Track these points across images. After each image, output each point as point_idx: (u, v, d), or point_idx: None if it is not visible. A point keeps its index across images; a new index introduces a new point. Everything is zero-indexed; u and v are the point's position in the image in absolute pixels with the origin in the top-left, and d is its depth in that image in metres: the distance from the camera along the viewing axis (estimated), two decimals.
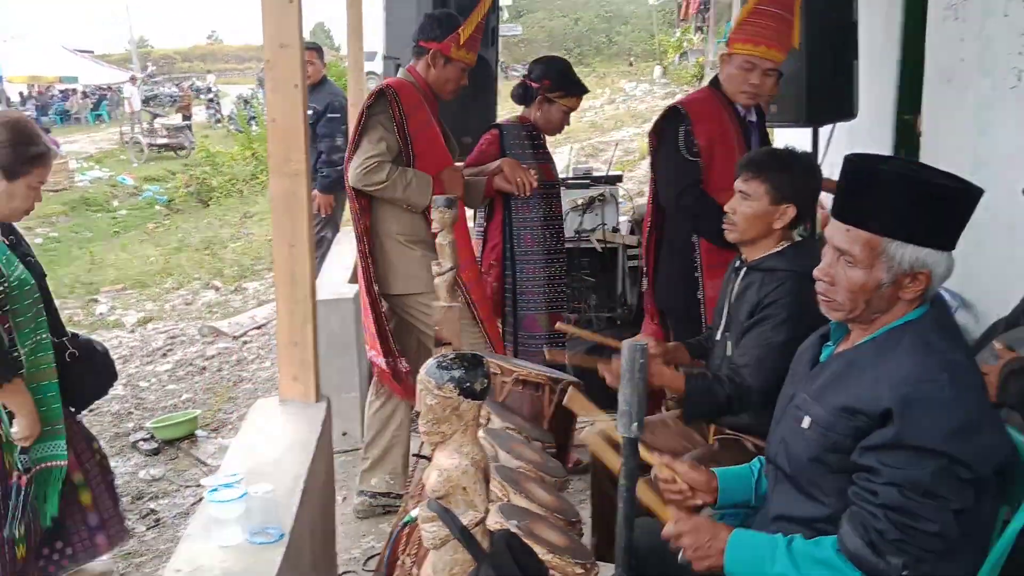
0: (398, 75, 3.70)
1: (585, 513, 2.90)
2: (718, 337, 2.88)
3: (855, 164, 1.84)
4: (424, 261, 3.49)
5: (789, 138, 4.70)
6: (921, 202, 1.78)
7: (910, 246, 1.78)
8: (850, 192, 1.85)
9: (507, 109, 3.84)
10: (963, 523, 1.70)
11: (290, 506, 2.32)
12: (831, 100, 4.46)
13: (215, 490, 2.21)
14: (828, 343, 2.03)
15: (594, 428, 2.38)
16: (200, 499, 2.60)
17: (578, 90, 4.13)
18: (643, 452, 2.18)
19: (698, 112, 3.54)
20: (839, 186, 1.88)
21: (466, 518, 1.53)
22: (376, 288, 3.66)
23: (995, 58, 3.89)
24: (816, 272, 1.93)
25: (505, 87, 4.51)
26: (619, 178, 6.22)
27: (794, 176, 2.73)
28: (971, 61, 4.07)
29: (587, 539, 2.71)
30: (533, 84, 4.06)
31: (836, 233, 1.86)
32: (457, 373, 1.55)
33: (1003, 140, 3.87)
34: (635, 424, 1.64)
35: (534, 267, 4.06)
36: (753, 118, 3.62)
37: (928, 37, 4.51)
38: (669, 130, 3.57)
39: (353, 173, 3.51)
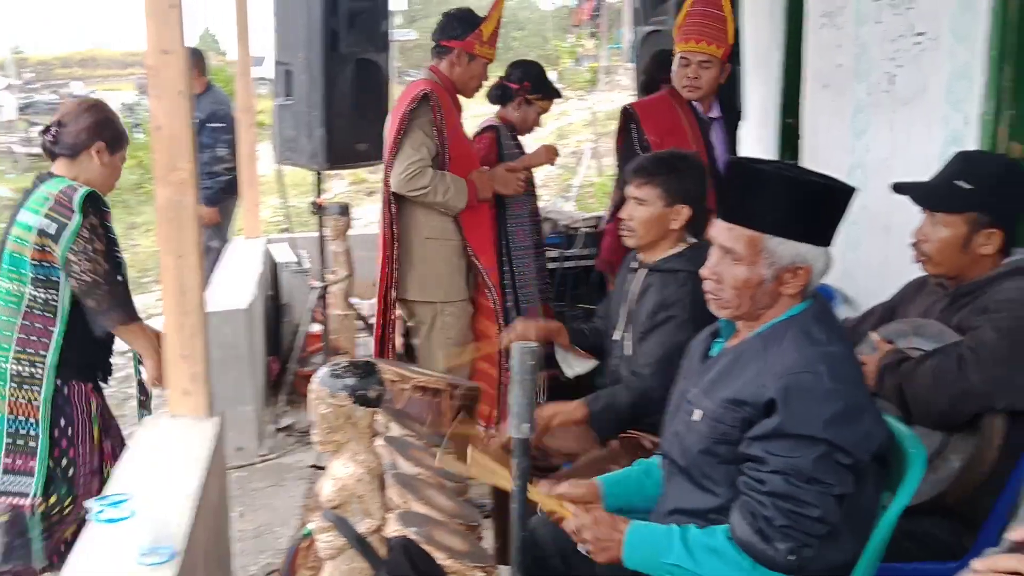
0: (420, 75, 3.71)
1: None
2: (616, 337, 2.92)
3: (737, 167, 1.92)
4: (448, 268, 3.61)
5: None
6: (798, 201, 1.86)
7: (789, 242, 1.86)
8: (732, 193, 1.92)
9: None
10: (844, 508, 1.77)
11: (182, 524, 2.25)
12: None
13: (101, 511, 2.14)
14: (718, 339, 2.09)
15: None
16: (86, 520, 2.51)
17: (554, 93, 4.35)
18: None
19: (645, 109, 3.87)
20: (722, 187, 1.95)
21: (362, 526, 1.52)
22: (394, 294, 3.70)
23: (869, 64, 4.06)
24: (703, 271, 1.98)
25: (397, 91, 4.50)
26: None
27: (683, 177, 2.79)
28: (847, 67, 4.23)
29: (490, 543, 2.72)
30: (513, 86, 4.19)
31: (720, 232, 1.93)
32: (350, 381, 1.54)
33: (878, 143, 4.03)
34: (525, 425, 1.66)
35: (528, 261, 4.17)
36: (715, 114, 3.88)
37: (806, 43, 4.68)
38: (625, 129, 3.86)
39: (396, 179, 3.52)
